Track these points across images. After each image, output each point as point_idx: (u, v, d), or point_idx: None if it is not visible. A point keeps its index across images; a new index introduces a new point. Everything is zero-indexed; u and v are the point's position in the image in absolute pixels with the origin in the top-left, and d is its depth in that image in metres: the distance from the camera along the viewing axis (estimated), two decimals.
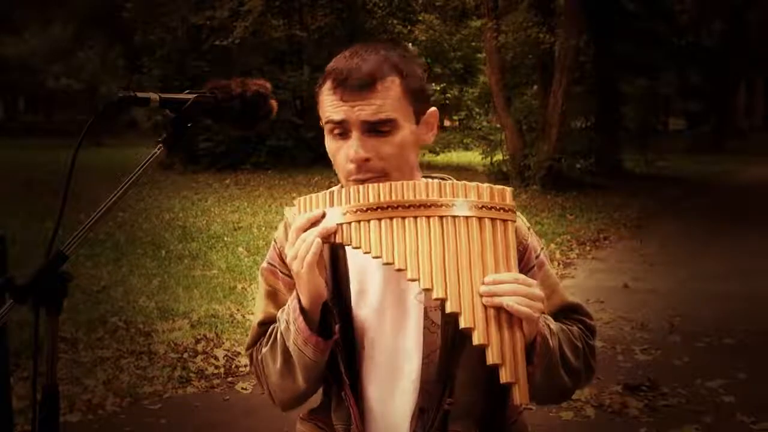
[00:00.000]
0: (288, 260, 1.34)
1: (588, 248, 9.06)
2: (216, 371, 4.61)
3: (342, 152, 1.39)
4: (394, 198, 1.30)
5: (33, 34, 28.52)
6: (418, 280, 1.26)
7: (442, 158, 20.14)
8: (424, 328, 1.41)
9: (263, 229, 9.59)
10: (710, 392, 4.33)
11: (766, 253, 8.60)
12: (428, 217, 1.29)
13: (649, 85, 21.58)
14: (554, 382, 1.39)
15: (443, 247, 1.27)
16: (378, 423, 1.45)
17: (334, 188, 1.40)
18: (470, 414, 1.44)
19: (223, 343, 5.07)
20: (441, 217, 1.29)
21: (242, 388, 4.34)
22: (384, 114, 1.36)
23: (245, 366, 4.61)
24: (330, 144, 1.41)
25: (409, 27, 21.08)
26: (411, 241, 1.28)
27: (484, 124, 19.75)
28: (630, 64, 18.98)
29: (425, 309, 1.42)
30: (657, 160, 18.28)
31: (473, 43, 22.50)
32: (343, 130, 1.38)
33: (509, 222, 1.32)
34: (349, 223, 1.31)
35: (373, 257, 1.29)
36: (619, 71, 18.71)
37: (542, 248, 1.52)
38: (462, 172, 15.73)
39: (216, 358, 4.79)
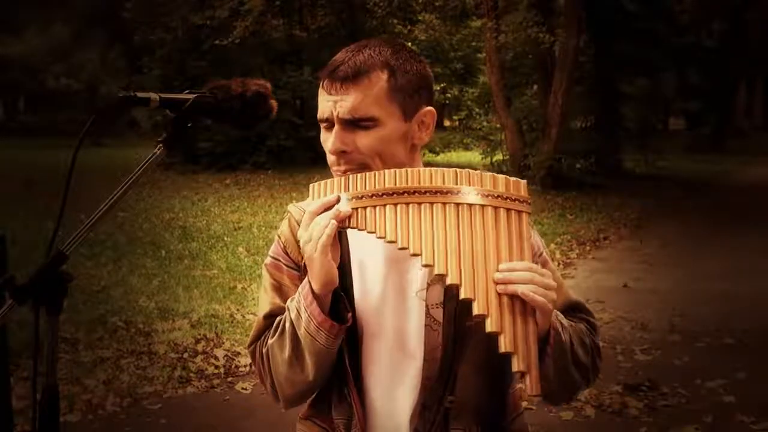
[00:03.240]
0: (302, 244, 1.33)
1: (588, 248, 9.06)
2: (216, 371, 4.61)
3: (326, 144, 1.43)
4: (409, 184, 1.29)
5: (33, 34, 28.47)
6: (433, 265, 1.25)
7: (442, 158, 20.08)
8: (425, 325, 1.41)
9: (263, 229, 9.59)
10: (710, 392, 4.34)
11: (766, 253, 8.60)
12: (444, 203, 1.28)
13: (649, 85, 21.51)
14: (566, 377, 1.38)
15: (458, 233, 1.26)
16: (380, 419, 1.45)
17: (350, 174, 1.39)
18: (472, 412, 1.44)
19: (223, 343, 5.07)
20: (456, 204, 1.28)
21: (242, 388, 4.34)
22: (361, 112, 1.37)
23: (245, 366, 4.61)
24: (321, 136, 1.45)
25: (409, 27, 21.06)
26: (426, 226, 1.27)
27: (484, 124, 19.67)
28: (630, 64, 18.94)
29: (427, 307, 1.41)
30: (657, 160, 18.25)
31: (473, 43, 22.48)
32: (328, 124, 1.41)
33: (524, 213, 1.32)
34: (365, 207, 1.30)
35: (387, 242, 1.28)
36: (619, 71, 18.68)
37: (544, 247, 1.52)
38: None
39: (216, 358, 4.79)
